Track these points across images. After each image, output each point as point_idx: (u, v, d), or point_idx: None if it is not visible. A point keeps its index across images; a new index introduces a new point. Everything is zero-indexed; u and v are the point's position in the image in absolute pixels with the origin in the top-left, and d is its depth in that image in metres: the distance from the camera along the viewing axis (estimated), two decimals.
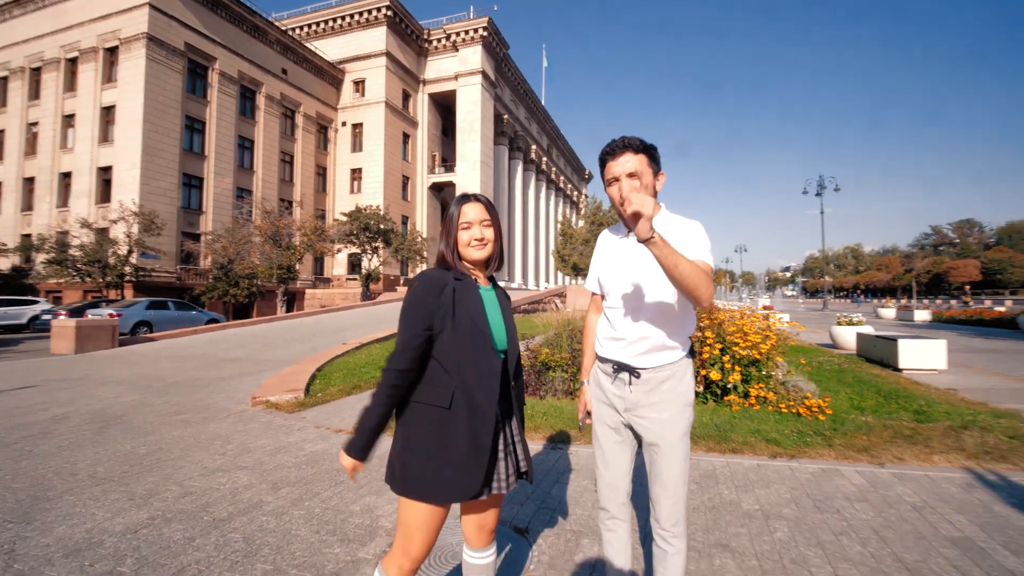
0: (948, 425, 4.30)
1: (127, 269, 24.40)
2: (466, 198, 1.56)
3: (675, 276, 1.35)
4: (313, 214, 35.64)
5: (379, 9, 40.17)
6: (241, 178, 34.08)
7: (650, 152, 1.62)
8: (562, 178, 71.87)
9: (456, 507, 1.64)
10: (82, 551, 2.44)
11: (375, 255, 32.02)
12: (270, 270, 25.50)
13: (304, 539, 2.53)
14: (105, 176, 28.67)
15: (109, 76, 28.96)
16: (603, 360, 1.75)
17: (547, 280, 64.43)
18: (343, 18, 41.76)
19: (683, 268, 1.35)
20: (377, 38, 41.17)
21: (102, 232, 25.50)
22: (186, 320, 18.07)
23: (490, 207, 1.57)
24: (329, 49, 41.93)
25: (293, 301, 31.27)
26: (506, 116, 49.74)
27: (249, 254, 25.75)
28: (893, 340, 8.11)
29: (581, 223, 42.03)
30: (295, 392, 6.22)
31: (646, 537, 2.45)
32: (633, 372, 1.64)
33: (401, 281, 42.04)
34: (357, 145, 42.53)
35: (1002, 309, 24.45)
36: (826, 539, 2.43)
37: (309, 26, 43.24)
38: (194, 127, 31.00)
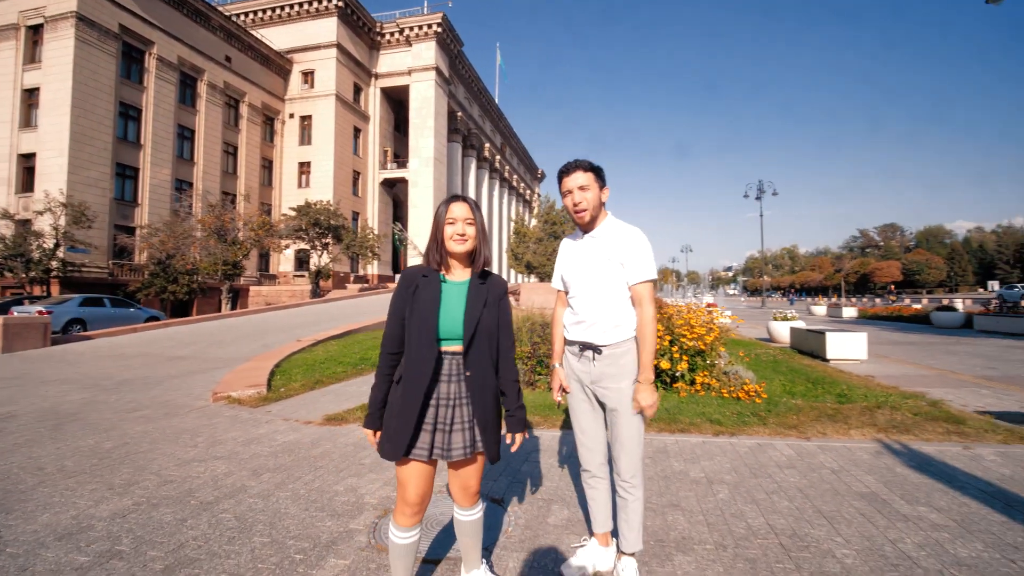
0: (864, 405, 4.90)
1: (53, 264, 22.76)
2: (454, 198, 1.79)
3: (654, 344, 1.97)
4: (259, 208, 34.39)
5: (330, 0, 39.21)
6: (181, 169, 32.39)
7: (597, 171, 2.03)
8: (515, 177, 72.41)
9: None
10: (74, 535, 2.50)
11: (325, 252, 31.29)
12: (215, 266, 24.46)
13: (295, 516, 2.69)
14: (27, 164, 26.56)
15: (32, 56, 26.84)
16: (571, 343, 2.12)
17: None
18: (292, 6, 40.42)
19: (653, 339, 1.96)
20: (327, 29, 40.10)
21: (25, 224, 23.67)
22: (124, 318, 17.13)
23: (475, 208, 1.80)
24: (276, 38, 40.46)
25: (237, 298, 30.07)
26: (460, 113, 49.64)
27: (191, 249, 24.56)
28: (821, 334, 8.93)
29: (534, 222, 42.63)
30: (257, 387, 6.21)
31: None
32: (596, 349, 1.99)
33: (351, 278, 41.18)
34: (306, 138, 41.29)
35: (918, 307, 26.83)
36: (760, 497, 2.84)
37: (255, 13, 41.54)
38: (129, 114, 29.21)
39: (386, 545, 2.34)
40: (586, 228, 2.08)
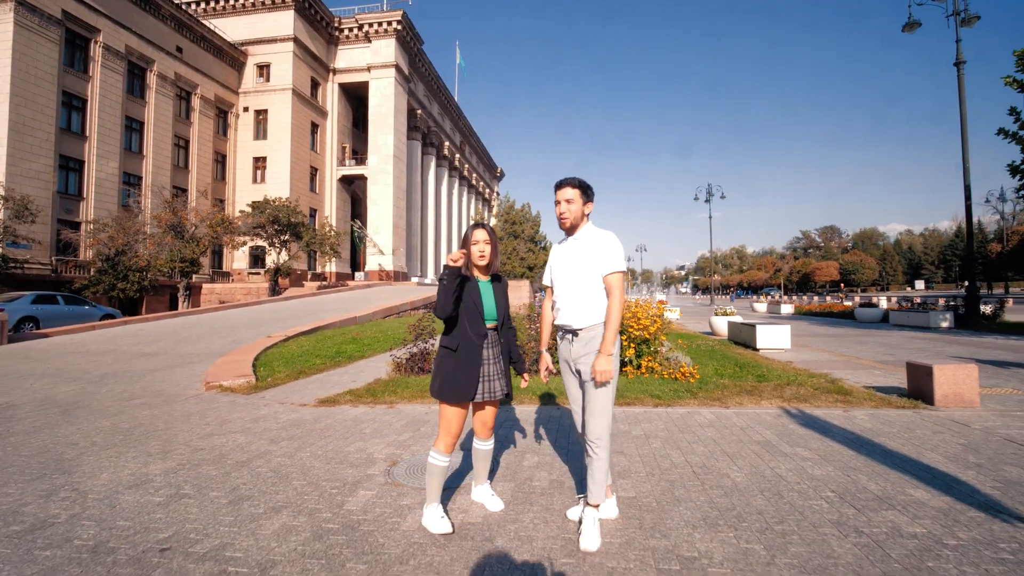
0: (777, 383, 5.92)
1: None
2: (477, 225, 2.52)
3: (620, 321, 2.41)
4: (212, 203, 33.54)
5: None
6: (129, 162, 31.23)
7: (584, 188, 2.50)
8: (475, 175, 72.86)
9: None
10: (140, 485, 3.07)
11: (284, 249, 30.95)
12: (171, 263, 23.89)
13: (320, 468, 3.34)
14: None
15: None
16: (557, 328, 2.69)
17: None
18: None
19: (617, 321, 2.36)
20: (284, 22, 39.43)
21: None
22: (78, 316, 16.74)
23: (491, 232, 2.55)
24: (230, 29, 39.42)
25: (190, 296, 29.40)
26: (419, 111, 49.71)
27: (146, 245, 23.88)
28: (752, 326, 10.11)
29: (494, 221, 43.33)
30: (246, 377, 6.68)
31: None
32: (574, 332, 2.55)
33: (309, 276, 40.67)
34: (261, 133, 40.43)
35: (849, 304, 29.27)
36: (684, 446, 3.70)
37: (208, 3, 40.33)
38: (73, 104, 28.00)
39: (401, 483, 3.04)
40: (569, 233, 2.56)
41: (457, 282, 2.41)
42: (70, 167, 27.97)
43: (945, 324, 14.12)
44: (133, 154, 31.58)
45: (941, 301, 20.59)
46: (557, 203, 2.52)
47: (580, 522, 2.40)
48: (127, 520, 2.58)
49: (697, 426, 4.24)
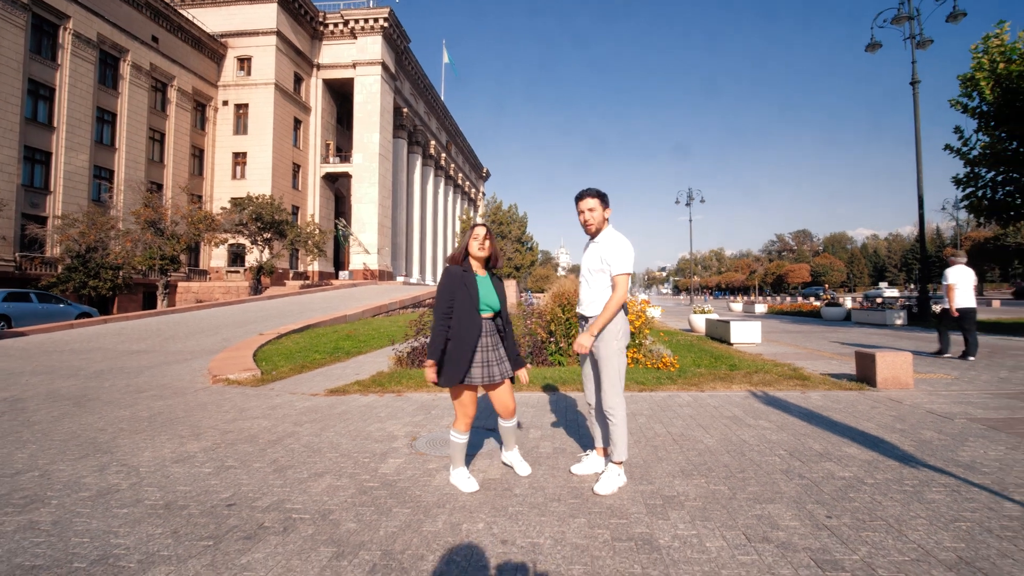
0: (746, 371, 6.53)
1: None
2: (477, 224, 2.91)
3: (614, 313, 2.78)
4: (190, 199, 33.09)
5: None
6: (100, 155, 30.59)
7: (602, 197, 2.92)
8: (460, 175, 72.98)
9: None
10: (185, 460, 3.44)
11: (267, 247, 30.73)
12: (151, 260, 23.58)
13: (348, 444, 3.75)
14: None
15: None
16: (578, 316, 3.13)
17: None
18: None
19: (611, 312, 2.72)
20: (267, 14, 39.03)
21: None
22: (53, 314, 16.56)
23: (490, 230, 2.93)
24: (210, 20, 38.85)
25: (168, 295, 29.00)
26: (405, 109, 49.68)
27: (123, 242, 23.51)
28: (727, 323, 10.79)
29: (480, 221, 43.62)
30: (251, 371, 6.99)
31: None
32: (587, 320, 3.01)
33: (291, 275, 40.39)
34: (241, 127, 39.97)
35: (818, 304, 30.60)
36: (665, 421, 4.24)
37: None
38: (40, 93, 27.31)
39: (425, 452, 3.49)
40: (592, 236, 2.96)
41: (459, 279, 2.79)
42: (36, 159, 27.28)
43: (899, 321, 15.15)
44: (105, 147, 30.95)
45: (901, 301, 21.89)
46: (580, 212, 2.93)
47: (600, 473, 2.92)
48: (186, 486, 2.97)
49: (676, 406, 4.78)
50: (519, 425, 3.09)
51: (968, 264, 8.23)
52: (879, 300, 26.53)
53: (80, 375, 7.37)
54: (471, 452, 3.49)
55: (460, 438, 2.86)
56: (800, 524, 2.35)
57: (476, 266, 2.90)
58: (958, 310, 7.89)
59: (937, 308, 16.13)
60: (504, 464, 3.23)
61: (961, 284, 7.99)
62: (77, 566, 2.06)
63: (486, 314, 2.83)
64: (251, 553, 2.15)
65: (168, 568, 2.03)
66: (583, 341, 2.80)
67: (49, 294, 17.98)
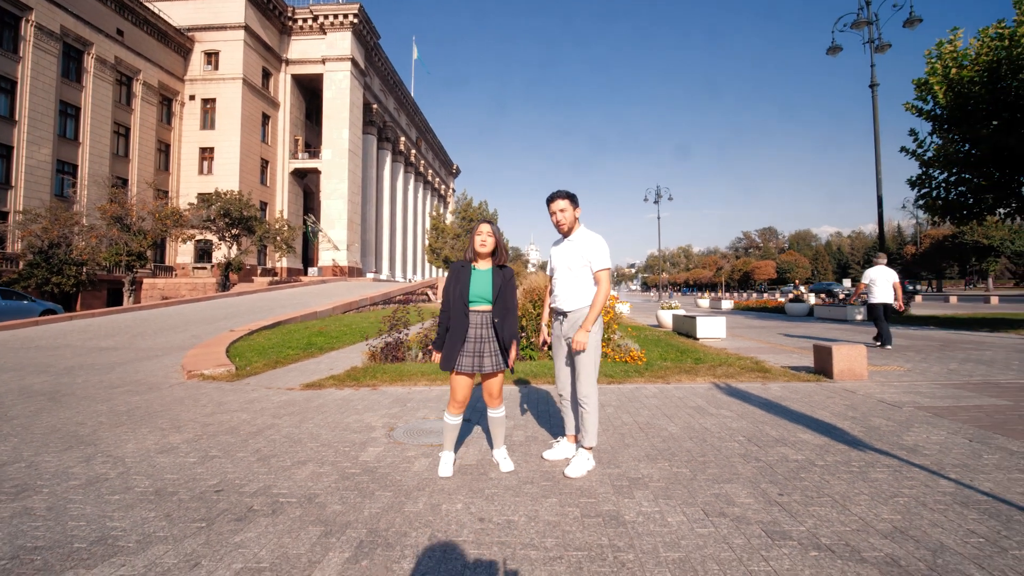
0: (711, 364, 6.85)
1: None
2: (482, 221, 3.07)
3: (602, 307, 3.01)
4: (155, 195, 32.16)
5: None
6: (64, 149, 29.57)
7: (571, 198, 3.10)
8: (430, 171, 72.67)
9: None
10: (168, 451, 3.51)
11: (235, 243, 30.16)
12: (116, 256, 22.93)
13: (327, 434, 3.87)
14: None
15: None
16: (553, 311, 3.30)
17: (415, 272, 64.77)
18: None
19: (600, 306, 2.93)
20: (234, 8, 38.20)
21: None
22: (16, 311, 16.02)
23: (494, 226, 3.08)
24: (177, 13, 37.83)
25: (134, 291, 28.19)
26: (375, 105, 49.26)
27: (88, 238, 22.80)
28: (693, 318, 11.18)
29: (451, 217, 43.61)
30: (225, 366, 6.98)
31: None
32: (564, 314, 3.19)
33: (259, 271, 39.68)
34: (208, 122, 39.07)
35: (782, 300, 31.64)
36: (632, 411, 4.48)
37: None
38: (1, 87, 26.29)
39: (403, 441, 3.64)
40: (565, 235, 3.14)
41: (456, 271, 2.99)
42: None
43: (860, 317, 15.86)
44: (68, 141, 29.92)
45: (841, 295, 22.84)
46: (552, 213, 3.11)
47: (571, 458, 3.10)
48: (173, 474, 3.06)
49: (643, 397, 5.04)
50: (505, 416, 3.22)
51: (888, 265, 9.14)
52: (841, 296, 27.67)
53: (50, 371, 7.25)
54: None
55: (449, 419, 3.02)
56: (754, 501, 2.59)
57: (481, 261, 3.03)
58: (874, 304, 8.85)
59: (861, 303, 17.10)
60: (488, 457, 3.37)
61: (879, 282, 8.88)
62: (78, 546, 2.16)
63: (481, 306, 2.95)
64: (243, 533, 2.28)
65: (166, 547, 2.15)
66: (580, 338, 2.92)
67: (12, 290, 17.36)
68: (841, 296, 27.11)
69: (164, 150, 37.91)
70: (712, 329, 10.77)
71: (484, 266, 3.04)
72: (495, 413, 3.11)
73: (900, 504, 2.53)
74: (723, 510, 2.48)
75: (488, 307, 2.97)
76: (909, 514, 2.42)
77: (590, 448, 3.04)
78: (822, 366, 6.11)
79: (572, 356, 3.10)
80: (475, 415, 4.42)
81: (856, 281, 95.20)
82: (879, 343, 8.77)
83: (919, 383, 5.63)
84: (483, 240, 3.00)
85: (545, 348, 3.36)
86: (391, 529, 2.31)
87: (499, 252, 3.05)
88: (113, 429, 4.12)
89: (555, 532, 2.28)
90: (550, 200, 3.15)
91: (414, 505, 2.57)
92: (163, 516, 2.46)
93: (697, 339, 10.69)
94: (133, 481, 2.94)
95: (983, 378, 5.87)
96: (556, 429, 3.94)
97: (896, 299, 8.82)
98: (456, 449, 3.30)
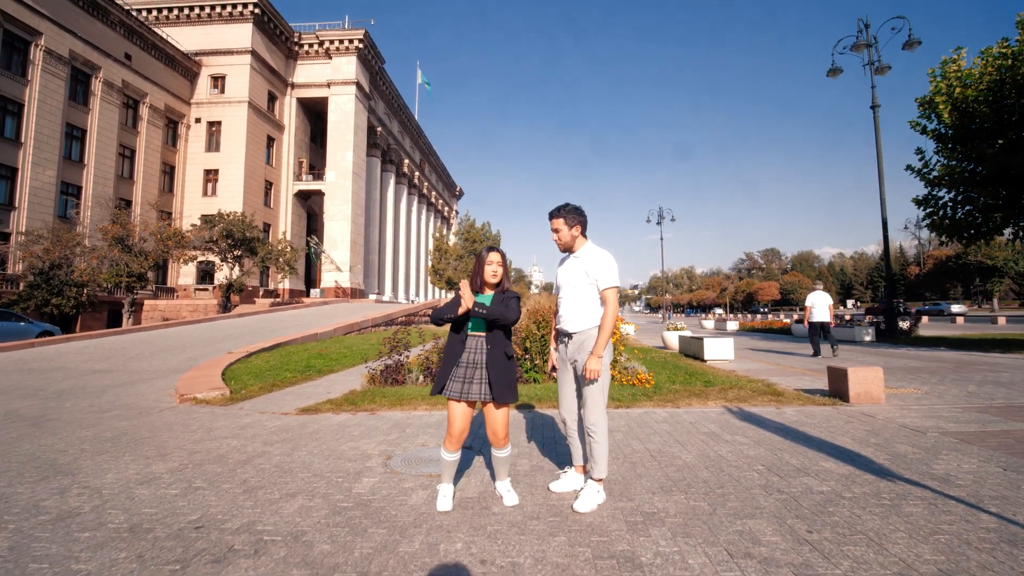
0: (721, 387, 6.61)
1: None
2: (490, 248, 2.92)
3: (612, 329, 2.81)
4: (158, 216, 32.26)
5: (246, 6, 38.20)
6: (68, 171, 29.76)
7: (564, 217, 2.92)
8: (434, 193, 73.16)
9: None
10: (149, 482, 3.29)
11: (237, 264, 30.12)
12: (117, 277, 22.85)
13: (320, 463, 3.65)
14: None
15: None
16: (557, 332, 3.11)
17: (417, 293, 64.65)
18: (203, 8, 38.82)
19: (609, 329, 2.75)
20: (242, 34, 38.92)
21: None
22: (13, 332, 15.85)
23: (503, 255, 2.92)
24: (184, 38, 38.53)
25: (134, 313, 28.06)
26: (379, 128, 49.81)
27: (89, 259, 22.76)
28: (700, 340, 10.95)
29: (454, 239, 43.66)
30: (220, 390, 6.78)
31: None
32: (568, 335, 2.97)
33: (260, 293, 39.59)
34: (213, 144, 39.44)
35: (787, 321, 31.39)
36: (642, 437, 4.24)
37: (161, 11, 39.33)
38: (8, 109, 26.62)
39: (400, 471, 3.41)
40: (571, 251, 2.98)
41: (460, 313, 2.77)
42: (1, 174, 26.43)
43: (868, 338, 15.59)
44: (73, 163, 30.14)
45: (868, 317, 22.63)
46: (553, 231, 2.99)
47: (579, 490, 2.87)
48: (152, 508, 2.84)
49: (653, 422, 4.80)
50: (510, 454, 2.98)
51: (824, 289, 11.66)
52: (847, 317, 27.39)
53: (40, 395, 7.06)
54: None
55: (445, 456, 2.80)
56: (781, 539, 2.36)
57: (486, 288, 2.90)
58: (813, 323, 11.27)
59: (905, 324, 16.85)
60: (490, 489, 3.14)
61: (818, 304, 11.27)
62: None
63: (480, 332, 2.81)
64: None
65: None
66: (593, 366, 2.73)
67: (10, 312, 17.22)
68: (847, 317, 26.83)
69: (169, 172, 38.17)
70: (720, 350, 10.53)
71: (488, 292, 2.91)
72: (499, 453, 2.89)
73: (942, 543, 2.30)
74: (748, 550, 2.26)
75: (483, 333, 2.82)
76: (953, 554, 2.19)
77: (600, 480, 2.84)
78: (837, 389, 5.87)
79: (579, 381, 2.91)
80: (476, 442, 4.20)
81: (859, 301, 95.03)
82: (833, 351, 11.16)
83: (939, 407, 5.38)
84: (494, 271, 2.86)
85: (553, 373, 3.17)
86: (383, 573, 2.09)
87: (503, 281, 2.91)
88: (95, 457, 3.91)
89: None
90: (550, 217, 3.01)
91: (409, 544, 2.35)
92: (134, 557, 2.24)
93: (705, 361, 10.44)
94: (107, 516, 2.72)
95: (1005, 401, 5.63)
96: (563, 458, 3.72)
97: (830, 319, 11.19)
98: (456, 481, 3.07)
